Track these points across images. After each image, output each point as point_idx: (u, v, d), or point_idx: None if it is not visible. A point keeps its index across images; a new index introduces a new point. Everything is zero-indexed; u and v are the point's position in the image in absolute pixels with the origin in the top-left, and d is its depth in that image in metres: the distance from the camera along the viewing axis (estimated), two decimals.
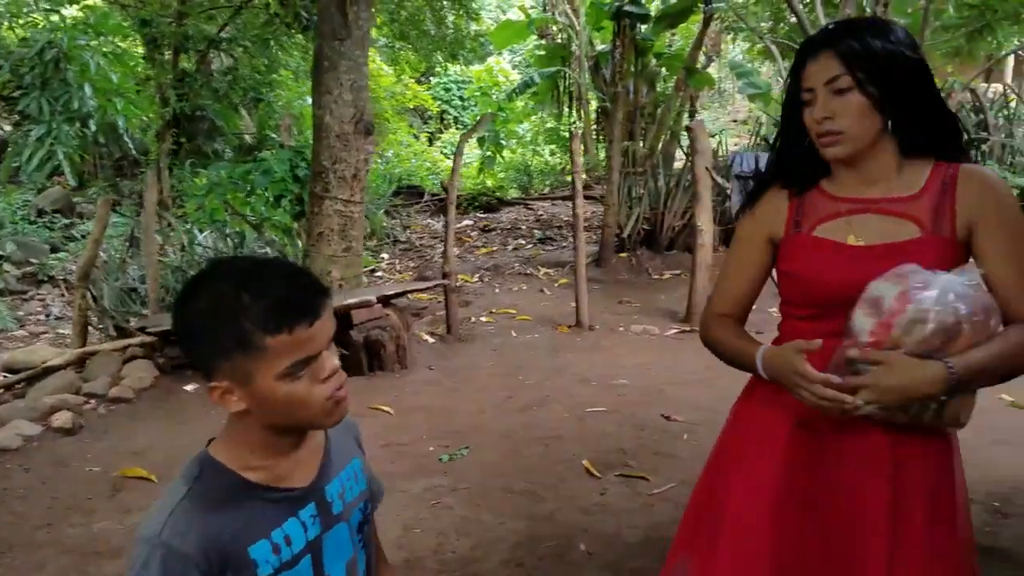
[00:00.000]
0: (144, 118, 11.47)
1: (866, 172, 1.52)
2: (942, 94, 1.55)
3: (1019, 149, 9.46)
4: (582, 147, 17.22)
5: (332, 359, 1.14)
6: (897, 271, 1.39)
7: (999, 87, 12.39)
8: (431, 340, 6.25)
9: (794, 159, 1.60)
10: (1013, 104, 9.98)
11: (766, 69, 18.57)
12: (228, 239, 7.73)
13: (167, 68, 11.23)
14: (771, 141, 8.49)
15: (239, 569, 1.12)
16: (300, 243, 7.03)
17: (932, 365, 1.36)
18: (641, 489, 3.71)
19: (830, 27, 1.51)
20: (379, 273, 9.08)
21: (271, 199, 6.45)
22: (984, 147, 9.42)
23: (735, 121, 20.39)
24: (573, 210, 6.43)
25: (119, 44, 11.68)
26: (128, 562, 1.12)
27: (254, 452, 1.17)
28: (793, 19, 13.82)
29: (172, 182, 10.90)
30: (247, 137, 12.48)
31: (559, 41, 16.58)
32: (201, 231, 8.01)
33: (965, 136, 1.59)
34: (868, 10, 11.62)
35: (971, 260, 1.47)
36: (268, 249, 7.54)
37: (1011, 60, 17.30)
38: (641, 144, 11.13)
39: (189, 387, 5.22)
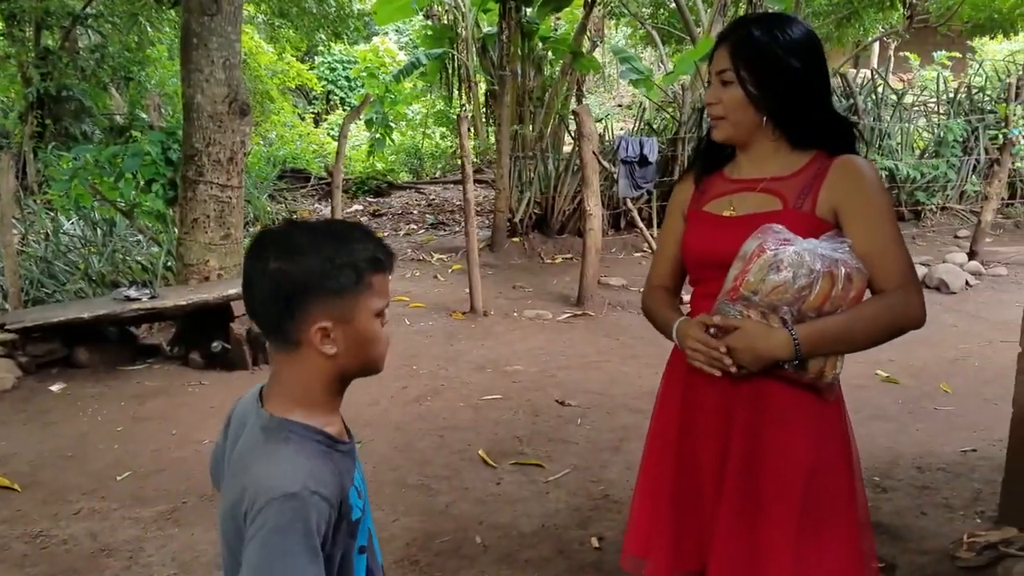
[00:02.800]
0: (4, 99, 10.66)
1: (754, 156, 1.71)
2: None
3: (887, 132, 9.93)
4: (472, 131, 17.20)
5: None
6: (762, 228, 1.56)
7: (867, 72, 12.98)
8: None
9: (711, 139, 1.76)
10: (880, 89, 10.45)
11: (648, 54, 18.94)
12: (97, 227, 7.27)
13: (28, 46, 10.50)
14: (654, 126, 8.62)
15: (344, 513, 1.22)
16: (174, 230, 6.68)
17: (778, 332, 1.53)
18: (536, 477, 3.68)
19: (735, 20, 1.70)
20: None
21: (142, 183, 6.05)
22: (855, 130, 9.82)
23: (620, 106, 20.71)
24: (464, 195, 6.33)
25: None
26: (264, 523, 1.12)
27: (321, 409, 1.27)
28: (673, 5, 14.14)
29: (38, 166, 10.18)
30: (118, 118, 11.78)
31: (446, 22, 16.38)
32: (67, 218, 7.51)
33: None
34: None
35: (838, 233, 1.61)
36: (140, 237, 7.13)
37: (876, 46, 18.20)
38: (530, 128, 11.09)
39: (55, 387, 4.86)
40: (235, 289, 5.23)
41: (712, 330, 1.61)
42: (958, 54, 14.77)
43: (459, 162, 17.03)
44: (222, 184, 5.58)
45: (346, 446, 1.30)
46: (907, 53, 16.87)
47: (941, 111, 10.59)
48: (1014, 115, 8.13)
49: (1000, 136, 8.44)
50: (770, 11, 1.59)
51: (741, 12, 11.95)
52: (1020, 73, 9.41)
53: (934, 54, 14.74)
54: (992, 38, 16.72)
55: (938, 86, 10.97)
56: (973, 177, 9.79)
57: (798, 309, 1.54)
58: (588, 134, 6.25)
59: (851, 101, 10.04)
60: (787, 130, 1.67)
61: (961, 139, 9.79)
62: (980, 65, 11.65)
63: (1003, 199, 9.10)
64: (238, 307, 5.20)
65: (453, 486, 3.57)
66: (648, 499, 1.81)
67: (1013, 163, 8.75)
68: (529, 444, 4.04)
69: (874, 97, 10.34)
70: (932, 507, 3.26)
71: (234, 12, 5.39)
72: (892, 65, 16.35)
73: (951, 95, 10.67)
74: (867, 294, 1.59)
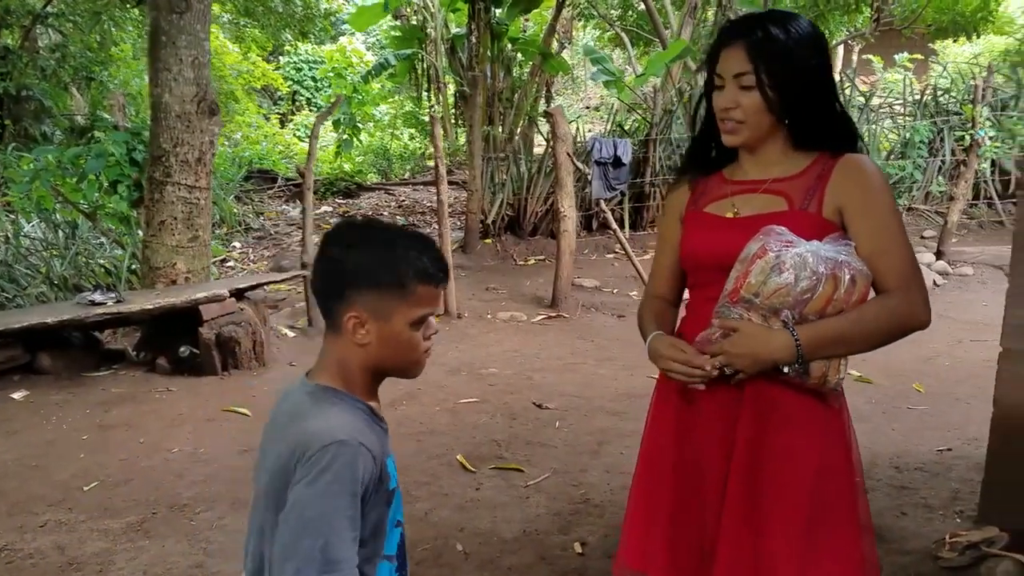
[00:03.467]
0: None
1: (761, 157, 1.66)
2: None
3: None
4: (442, 132, 17.12)
5: (435, 324, 1.39)
6: (765, 230, 1.52)
7: (834, 75, 13.12)
8: (291, 334, 5.94)
9: (708, 141, 1.72)
10: (848, 91, 10.55)
11: (617, 56, 19.00)
12: (59, 229, 7.10)
13: None
14: (626, 128, 8.61)
15: (382, 479, 1.31)
16: (139, 232, 6.53)
17: (780, 334, 1.50)
18: (516, 481, 3.63)
19: (748, 17, 1.60)
20: (231, 263, 8.59)
21: (105, 185, 5.90)
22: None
23: (588, 107, 20.74)
24: (438, 196, 6.27)
25: None
26: (314, 465, 1.23)
27: (359, 390, 1.37)
28: (642, 7, 14.20)
29: None
30: (79, 119, 11.53)
31: (414, 23, 16.29)
32: (28, 221, 7.32)
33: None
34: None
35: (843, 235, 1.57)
36: (104, 239, 6.97)
37: (841, 49, 18.41)
38: (499, 129, 11.05)
39: (17, 395, 4.72)
40: (204, 292, 5.12)
41: (715, 333, 1.57)
42: (920, 56, 14.99)
43: (429, 163, 17.03)
44: (190, 185, 5.46)
45: (384, 424, 1.40)
46: (871, 56, 17.12)
47: (907, 113, 10.72)
48: (980, 117, 8.24)
49: (967, 137, 8.56)
50: (773, 9, 1.55)
51: (710, 16, 12.03)
52: (985, 75, 9.54)
53: (896, 56, 14.96)
54: (955, 41, 17.01)
55: (904, 88, 11.10)
56: (940, 178, 9.92)
57: (799, 312, 1.51)
58: (562, 135, 6.22)
59: None
60: (795, 130, 1.62)
61: (927, 140, 9.92)
62: (945, 67, 11.81)
63: (968, 200, 9.22)
64: (207, 311, 5.09)
65: (432, 492, 3.51)
66: (645, 511, 1.76)
67: (979, 164, 8.87)
68: (507, 448, 3.99)
69: (842, 99, 10.43)
70: (911, 507, 3.27)
71: (203, 10, 5.28)
72: (842, 67, 16.57)
73: (917, 97, 10.80)
74: (871, 295, 1.56)
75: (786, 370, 1.53)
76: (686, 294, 1.83)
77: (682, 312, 1.82)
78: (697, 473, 1.67)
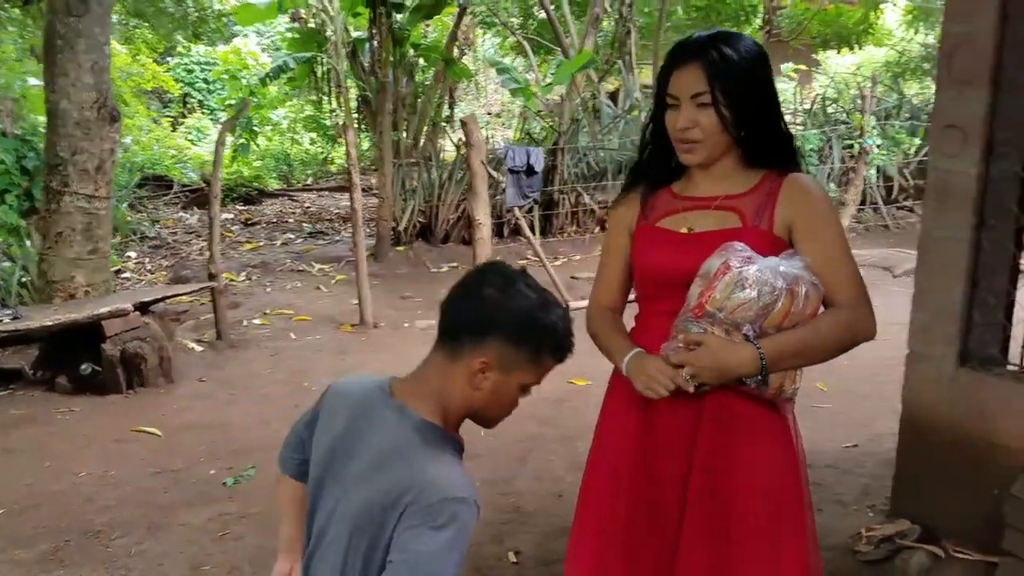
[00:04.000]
0: None
1: (713, 174, 1.69)
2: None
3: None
4: (343, 136, 16.86)
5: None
6: (724, 247, 1.58)
7: None
8: (198, 348, 5.73)
9: (657, 157, 1.75)
10: None
11: (519, 64, 19.18)
12: None
13: None
14: (533, 135, 8.65)
15: None
16: (29, 244, 6.17)
17: (745, 348, 1.55)
18: None
19: (700, 38, 1.63)
20: (126, 274, 8.22)
21: None
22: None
23: (489, 114, 20.83)
24: (352, 204, 6.17)
25: None
26: (434, 516, 1.25)
27: (453, 427, 1.41)
28: (542, 15, 14.38)
29: None
30: None
31: (313, 25, 15.99)
32: None
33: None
34: (609, 10, 12.34)
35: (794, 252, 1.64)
36: None
37: None
38: (404, 135, 10.98)
39: None
40: (107, 307, 4.89)
41: (679, 346, 1.61)
42: (804, 67, 15.71)
43: (331, 169, 16.75)
44: (89, 195, 5.21)
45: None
46: None
47: (798, 122, 11.21)
48: (868, 126, 8.69)
49: (856, 146, 9.01)
50: (722, 29, 1.64)
51: (611, 27, 12.28)
52: (869, 86, 10.06)
53: (782, 66, 15.65)
54: (838, 52, 17.93)
55: (795, 98, 11.60)
56: (830, 184, 10.42)
57: (760, 326, 1.57)
58: (476, 144, 6.22)
59: None
60: (747, 147, 1.67)
61: (817, 149, 10.40)
62: (832, 78, 12.41)
63: (857, 205, 9.72)
64: (110, 326, 4.87)
65: None
66: (597, 521, 1.77)
67: (866, 171, 9.36)
68: None
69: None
70: (826, 503, 3.40)
71: (102, 13, 5.05)
72: None
73: (807, 107, 11.30)
74: (821, 308, 1.64)
75: (748, 382, 1.59)
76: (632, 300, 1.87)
77: (629, 323, 1.84)
78: (654, 482, 1.70)
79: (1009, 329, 2.84)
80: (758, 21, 15.86)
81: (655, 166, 1.77)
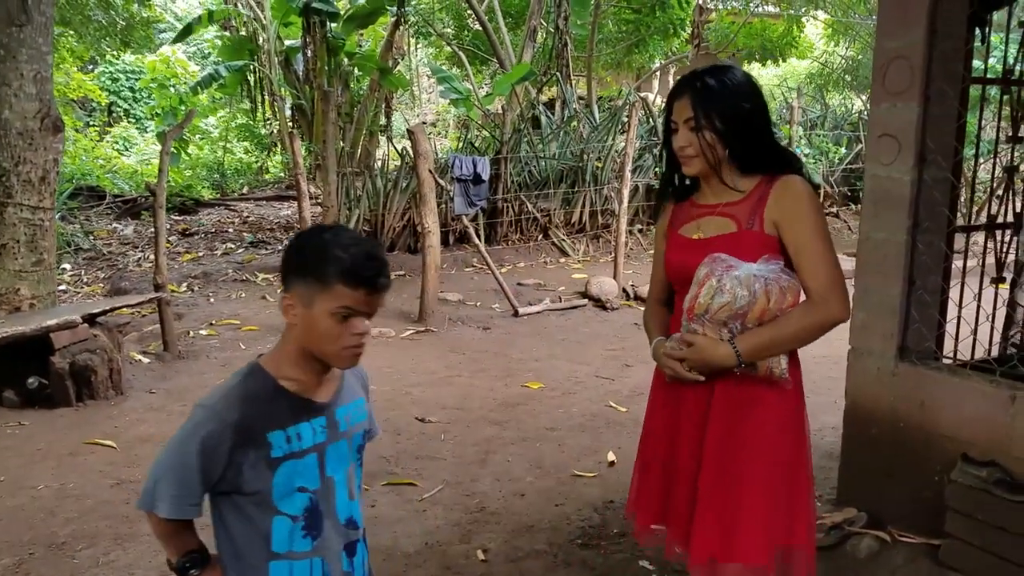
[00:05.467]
0: None
1: (714, 185, 2.00)
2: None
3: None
4: (278, 145, 16.68)
5: (366, 324, 1.55)
6: (710, 257, 1.88)
7: (655, 96, 13.93)
8: (146, 360, 5.65)
9: (674, 173, 2.08)
10: None
11: (455, 74, 19.27)
12: None
13: None
14: (475, 145, 8.73)
15: (258, 447, 1.51)
16: None
17: (723, 346, 1.88)
18: (410, 496, 3.68)
19: (690, 73, 1.98)
20: (63, 287, 8.01)
21: None
22: (656, 150, 10.56)
23: (424, 123, 20.89)
24: (300, 213, 6.16)
25: None
26: (189, 416, 1.53)
27: (290, 366, 1.58)
28: (477, 26, 14.52)
29: None
30: None
31: (244, 34, 15.79)
32: None
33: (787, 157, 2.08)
34: (545, 23, 12.55)
35: (775, 253, 1.92)
36: None
37: (659, 72, 19.55)
38: (340, 143, 10.97)
39: None
40: (54, 320, 4.81)
41: (677, 344, 1.97)
42: None
43: (267, 178, 16.52)
44: (33, 206, 5.10)
45: (299, 401, 1.58)
46: None
47: None
48: (796, 136, 9.04)
49: None
50: (714, 64, 1.97)
51: (548, 40, 12.48)
52: (796, 97, 10.48)
53: None
54: (762, 64, 18.54)
55: None
56: None
57: (741, 323, 1.87)
58: (424, 153, 6.30)
59: (651, 124, 10.76)
60: (740, 159, 1.95)
61: None
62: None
63: None
64: (58, 339, 4.79)
65: None
66: (640, 472, 2.19)
67: None
68: (397, 463, 4.03)
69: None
70: None
71: (45, 23, 4.96)
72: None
73: None
74: (803, 298, 1.91)
75: (737, 371, 1.92)
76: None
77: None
78: (680, 443, 2.04)
79: (944, 325, 3.05)
80: (686, 34, 16.28)
81: (673, 181, 2.11)
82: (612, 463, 4.00)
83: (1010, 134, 3.25)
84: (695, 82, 1.93)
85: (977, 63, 4.25)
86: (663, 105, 9.57)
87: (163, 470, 1.51)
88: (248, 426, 1.50)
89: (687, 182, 2.09)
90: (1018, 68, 3.15)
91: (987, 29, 3.03)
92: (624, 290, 7.63)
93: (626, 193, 7.69)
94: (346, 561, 1.65)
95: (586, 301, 7.42)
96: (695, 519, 1.98)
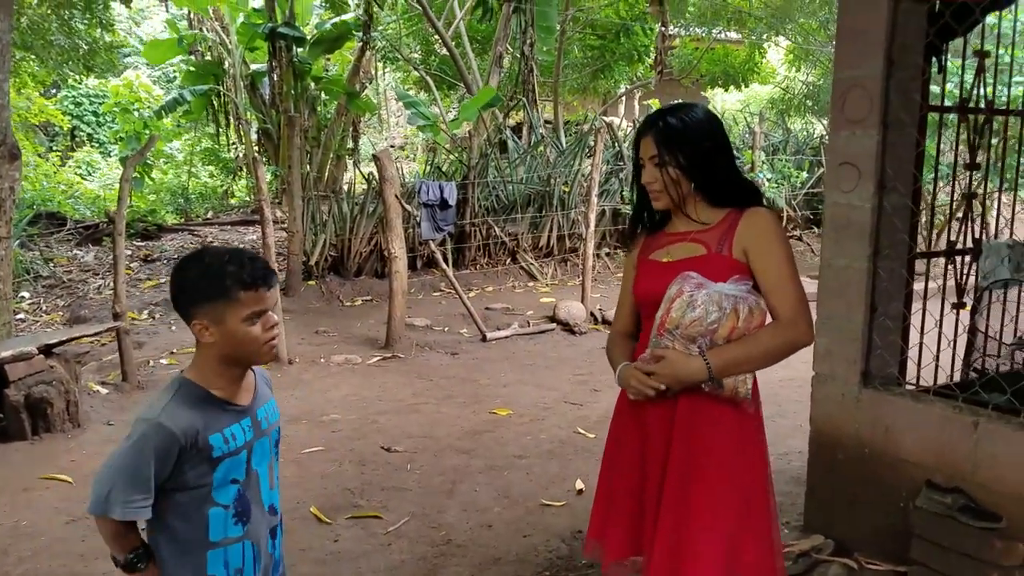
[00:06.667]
0: None
1: (685, 216, 2.09)
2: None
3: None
4: (244, 170, 16.56)
5: (274, 317, 1.74)
6: (681, 275, 1.96)
7: (626, 123, 14.05)
8: (104, 391, 5.52)
9: (643, 205, 2.16)
10: None
11: (423, 98, 19.30)
12: None
13: None
14: (443, 169, 8.72)
15: (201, 449, 1.69)
16: None
17: (695, 360, 1.93)
18: (375, 529, 3.62)
19: (654, 112, 2.09)
20: (20, 315, 7.83)
21: None
22: (622, 175, 10.63)
23: (392, 147, 20.87)
24: (264, 239, 6.10)
25: None
26: (130, 432, 1.68)
27: (215, 377, 1.75)
28: (444, 51, 14.57)
29: None
30: None
31: (210, 58, 15.71)
32: None
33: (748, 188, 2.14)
34: (511, 48, 12.63)
35: (744, 275, 2.00)
36: None
37: (623, 97, 19.74)
38: (307, 168, 10.89)
39: None
40: (8, 351, 4.68)
41: (647, 359, 2.00)
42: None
43: (232, 202, 16.37)
44: None
45: (229, 406, 1.76)
46: (650, 102, 18.52)
47: None
48: (758, 160, 9.15)
49: None
50: (677, 103, 2.04)
51: (514, 65, 12.54)
52: (758, 122, 10.62)
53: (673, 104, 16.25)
54: (725, 90, 18.79)
55: None
56: None
57: (711, 339, 1.93)
58: (390, 178, 6.27)
59: (616, 148, 10.83)
60: (706, 192, 2.05)
61: None
62: (721, 115, 13.00)
63: None
64: (13, 370, 4.66)
65: (288, 548, 3.33)
66: (604, 495, 2.20)
67: None
68: (362, 495, 3.96)
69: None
70: None
71: (1, 50, 4.88)
72: (639, 115, 17.87)
73: None
74: (768, 320, 1.98)
75: (704, 387, 1.96)
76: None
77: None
78: (645, 462, 2.08)
79: (906, 351, 3.08)
80: (650, 60, 16.47)
81: (643, 214, 2.19)
82: (580, 491, 3.97)
83: (967, 160, 3.30)
84: (658, 121, 2.03)
85: (935, 88, 4.33)
86: (628, 130, 9.74)
87: (116, 478, 1.66)
88: (191, 432, 1.68)
89: (656, 217, 2.17)
90: (974, 95, 3.20)
91: (943, 57, 3.08)
92: (592, 314, 7.63)
93: (593, 217, 7.70)
94: (270, 543, 1.87)
95: (554, 325, 7.41)
96: (655, 547, 1.99)
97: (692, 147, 2.00)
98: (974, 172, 3.34)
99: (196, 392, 1.73)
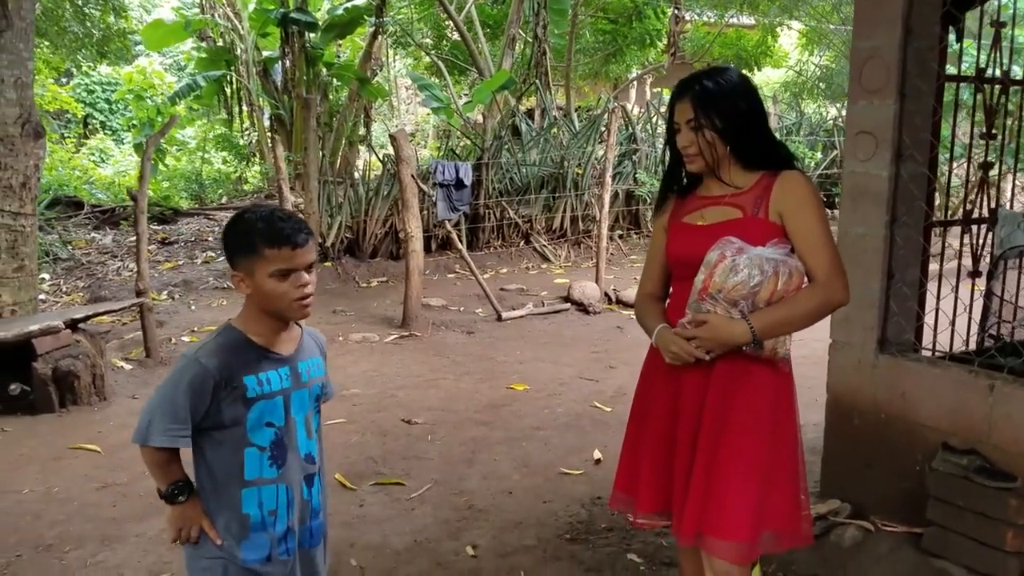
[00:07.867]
0: None
1: (718, 179, 2.11)
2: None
3: (662, 159, 10.81)
4: (257, 155, 16.65)
5: (307, 277, 1.82)
6: (721, 241, 1.99)
7: (632, 106, 14.03)
8: (128, 367, 5.62)
9: (677, 170, 2.20)
10: (655, 119, 11.37)
11: (436, 83, 19.31)
12: None
13: None
14: (456, 152, 8.77)
15: (236, 388, 1.80)
16: None
17: (738, 323, 1.97)
18: (399, 495, 3.70)
19: (690, 76, 2.10)
20: (42, 296, 7.93)
21: None
22: (635, 157, 10.66)
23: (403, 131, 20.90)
24: None
25: None
26: (175, 365, 1.82)
27: (255, 324, 1.86)
28: (456, 36, 14.59)
29: None
30: None
31: (221, 44, 15.76)
32: None
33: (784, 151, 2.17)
34: (523, 32, 12.65)
35: (781, 238, 2.04)
36: None
37: (636, 82, 19.71)
38: (320, 152, 10.96)
39: None
40: (36, 325, 4.77)
41: (688, 324, 2.03)
42: None
43: (246, 188, 16.45)
44: (14, 212, 5.07)
45: (266, 353, 1.86)
46: (661, 88, 18.47)
47: None
48: None
49: None
50: (714, 66, 2.08)
51: (527, 49, 12.56)
52: (772, 105, 10.61)
53: None
54: None
55: None
56: None
57: (752, 302, 1.97)
58: (406, 158, 6.33)
59: (630, 131, 10.85)
60: (741, 155, 2.08)
61: None
62: None
63: None
64: (41, 344, 4.76)
65: None
66: (631, 450, 2.25)
67: None
68: (384, 464, 4.04)
69: (648, 128, 11.25)
70: None
71: (25, 28, 4.95)
72: (650, 99, 17.83)
73: None
74: (805, 282, 2.02)
75: (745, 348, 2.01)
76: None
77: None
78: (677, 417, 2.11)
79: (923, 317, 3.12)
80: (662, 44, 16.43)
81: (677, 178, 2.22)
82: (598, 461, 4.04)
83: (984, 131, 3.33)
84: (695, 84, 2.06)
85: (951, 68, 4.35)
86: (639, 114, 9.76)
87: (156, 409, 1.78)
88: (226, 370, 1.78)
89: (685, 181, 2.21)
90: (990, 68, 3.22)
91: (961, 26, 3.11)
92: (606, 294, 7.68)
93: (607, 199, 7.74)
94: (305, 490, 1.95)
95: (568, 305, 7.46)
96: (688, 495, 2.05)
97: (728, 110, 2.03)
98: (990, 143, 3.37)
99: (236, 337, 1.85)
